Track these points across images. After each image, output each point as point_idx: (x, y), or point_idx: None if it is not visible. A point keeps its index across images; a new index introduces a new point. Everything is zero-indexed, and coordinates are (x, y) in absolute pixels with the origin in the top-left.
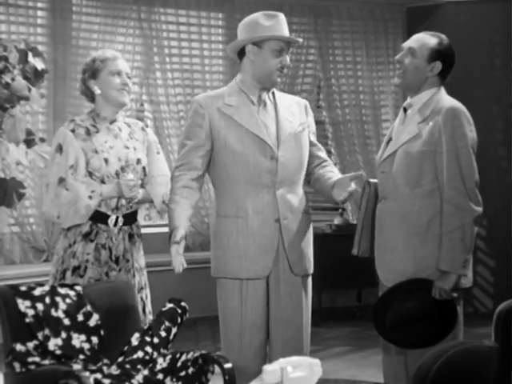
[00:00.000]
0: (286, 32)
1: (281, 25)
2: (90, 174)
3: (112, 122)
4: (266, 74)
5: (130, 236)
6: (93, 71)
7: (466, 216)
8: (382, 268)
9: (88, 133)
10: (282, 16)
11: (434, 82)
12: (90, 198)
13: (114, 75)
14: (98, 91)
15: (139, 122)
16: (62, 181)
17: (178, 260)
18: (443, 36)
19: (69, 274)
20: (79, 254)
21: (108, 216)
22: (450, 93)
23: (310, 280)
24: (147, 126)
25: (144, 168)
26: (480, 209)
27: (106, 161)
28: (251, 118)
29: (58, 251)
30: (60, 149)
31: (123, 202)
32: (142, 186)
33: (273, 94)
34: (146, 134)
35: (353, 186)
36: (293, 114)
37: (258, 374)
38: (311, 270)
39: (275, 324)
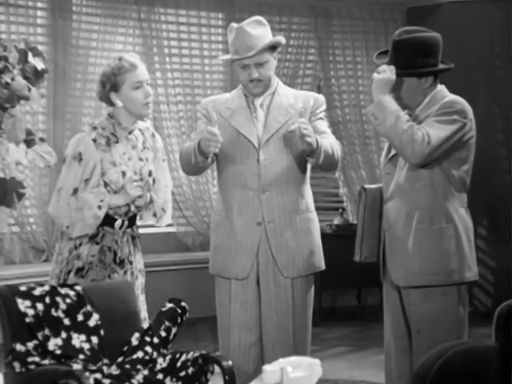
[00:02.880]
0: (241, 48)
1: (236, 43)
2: (105, 184)
3: (131, 131)
4: (244, 86)
5: (133, 238)
6: (113, 85)
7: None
8: (393, 268)
9: (108, 143)
10: (239, 29)
11: (430, 85)
12: (100, 207)
13: (137, 89)
14: (119, 104)
15: (150, 127)
16: (75, 191)
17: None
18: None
19: (72, 275)
20: (84, 256)
21: (115, 219)
22: (450, 93)
23: (308, 280)
24: (148, 129)
25: (154, 179)
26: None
27: (124, 174)
28: (244, 121)
29: (61, 251)
30: (80, 158)
31: (132, 208)
32: (148, 190)
33: (273, 94)
34: (154, 142)
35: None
36: (287, 113)
37: (247, 374)
38: (310, 270)
39: (266, 326)
